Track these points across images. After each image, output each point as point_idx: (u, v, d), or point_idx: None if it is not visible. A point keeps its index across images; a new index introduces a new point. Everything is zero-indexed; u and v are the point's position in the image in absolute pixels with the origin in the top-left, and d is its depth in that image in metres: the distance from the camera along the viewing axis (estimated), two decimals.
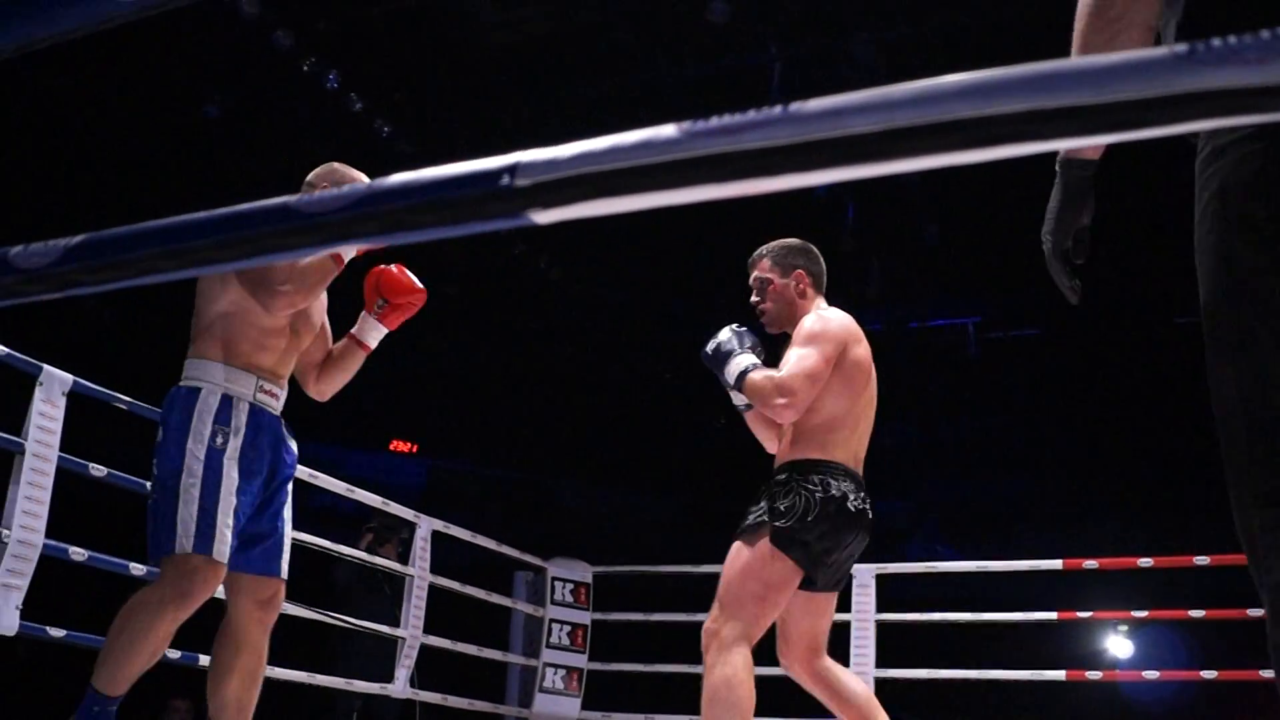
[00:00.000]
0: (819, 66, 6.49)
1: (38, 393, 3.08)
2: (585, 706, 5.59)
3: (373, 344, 2.88)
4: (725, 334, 2.91)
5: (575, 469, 10.97)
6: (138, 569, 3.33)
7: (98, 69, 6.28)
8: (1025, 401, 9.59)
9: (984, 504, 10.19)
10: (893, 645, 5.06)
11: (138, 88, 6.66)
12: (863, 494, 2.78)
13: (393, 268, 2.85)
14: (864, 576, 4.97)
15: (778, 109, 0.58)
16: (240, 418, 2.56)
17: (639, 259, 8.16)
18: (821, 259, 3.00)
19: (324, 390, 2.88)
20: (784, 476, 2.75)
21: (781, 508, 2.68)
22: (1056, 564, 4.74)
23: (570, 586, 5.67)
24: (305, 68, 6.58)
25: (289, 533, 2.72)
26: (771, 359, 3.02)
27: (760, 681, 2.73)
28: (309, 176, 2.74)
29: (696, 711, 2.97)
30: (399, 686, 4.62)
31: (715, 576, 2.92)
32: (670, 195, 0.61)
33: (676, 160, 0.59)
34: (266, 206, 0.66)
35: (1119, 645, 9.29)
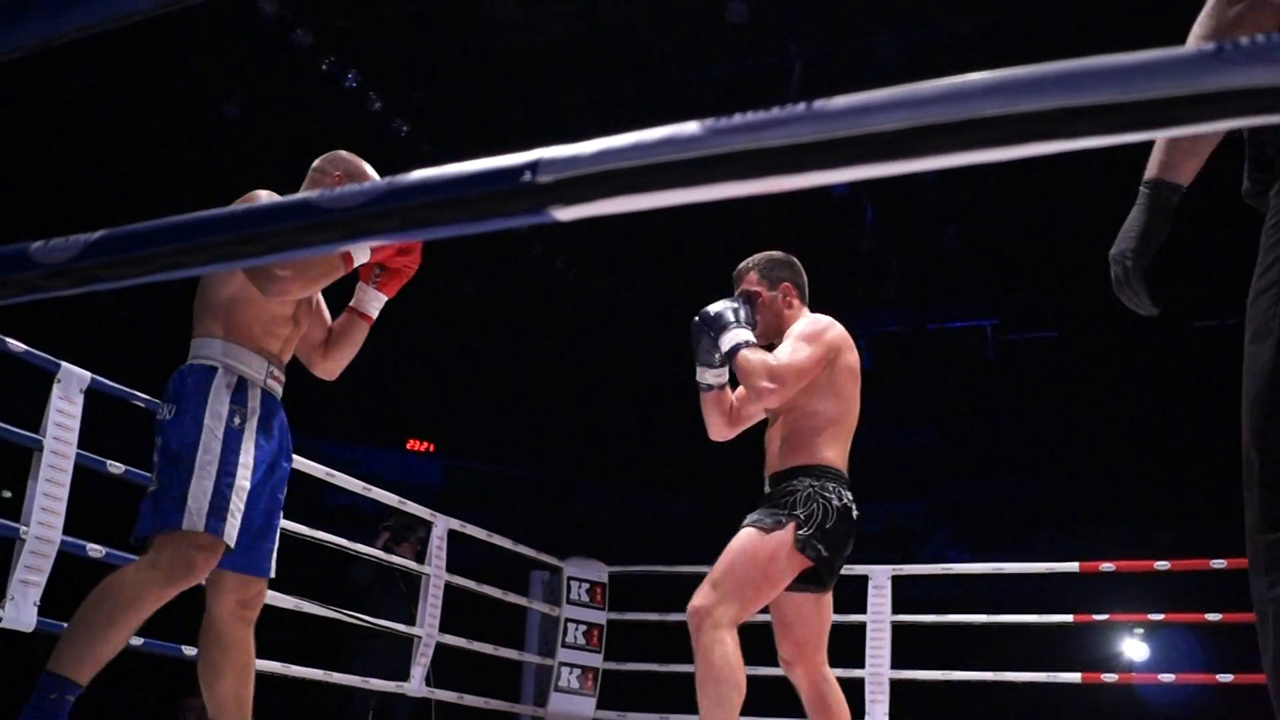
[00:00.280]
0: (839, 67, 6.47)
1: (56, 390, 3.10)
2: (600, 706, 5.59)
3: (374, 314, 2.76)
4: (725, 303, 2.88)
5: (591, 469, 10.98)
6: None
7: (118, 68, 6.31)
8: (1043, 404, 9.56)
9: (1000, 506, 10.15)
10: (907, 647, 5.04)
11: (158, 87, 6.69)
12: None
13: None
14: (879, 578, 4.95)
15: (801, 106, 0.58)
16: (255, 400, 2.49)
17: (655, 260, 8.16)
18: (804, 272, 3.03)
19: (331, 369, 2.79)
20: (799, 481, 2.76)
21: (802, 515, 2.70)
22: (1073, 566, 4.71)
23: (586, 586, 5.67)
24: (324, 67, 6.60)
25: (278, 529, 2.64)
26: None
27: (758, 681, 2.74)
28: (315, 163, 2.68)
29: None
30: (415, 685, 4.63)
31: None
32: (692, 193, 0.60)
33: (699, 157, 0.59)
34: (287, 203, 0.66)
35: (1135, 648, 9.24)
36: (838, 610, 5.19)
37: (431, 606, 4.69)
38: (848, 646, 5.10)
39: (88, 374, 3.16)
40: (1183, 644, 8.09)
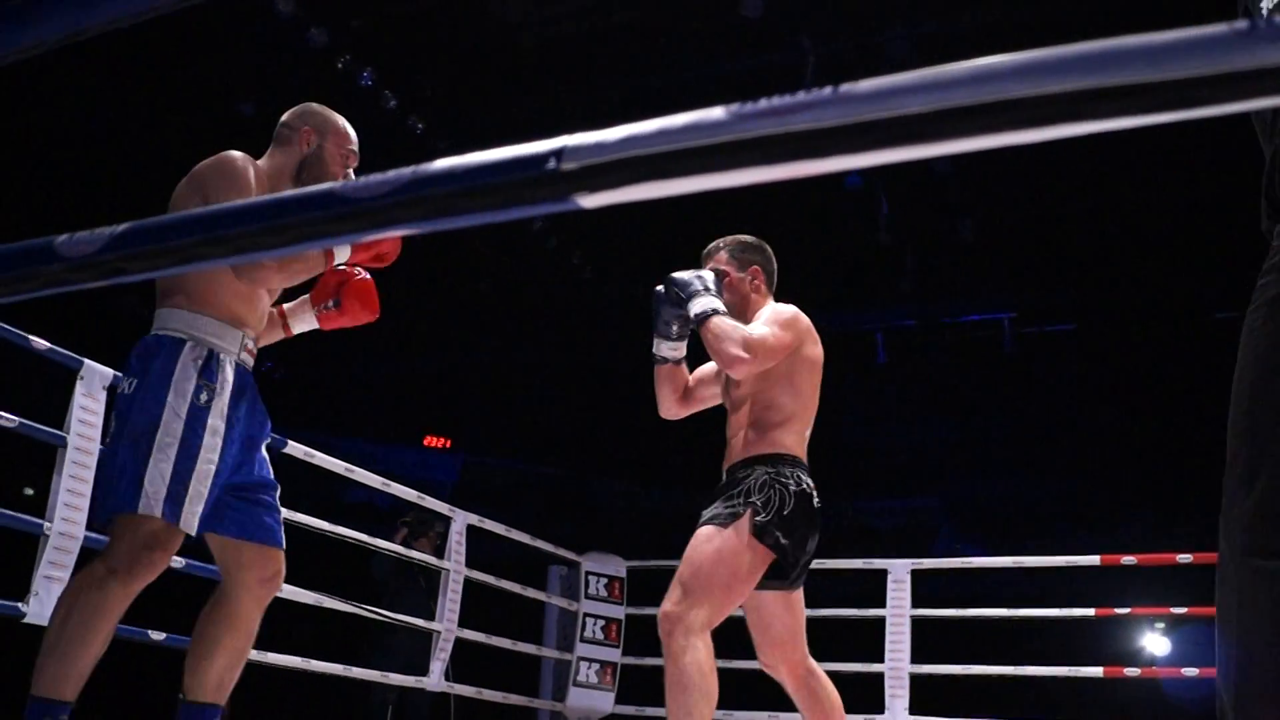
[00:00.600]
0: (853, 62, 6.45)
1: (79, 387, 3.12)
2: (619, 701, 5.60)
3: (295, 332, 2.63)
4: (696, 272, 2.81)
5: (608, 464, 10.98)
6: (178, 561, 3.36)
7: (136, 66, 6.34)
8: (1061, 397, 9.51)
9: (1019, 501, 10.11)
10: (927, 641, 5.03)
11: (175, 85, 6.73)
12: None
13: (369, 279, 2.58)
14: (898, 572, 4.94)
15: (827, 90, 0.58)
16: (226, 374, 2.33)
17: (669, 256, 8.13)
18: (774, 259, 2.98)
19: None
20: (755, 470, 2.70)
21: (759, 502, 2.64)
22: (1094, 560, 4.68)
23: (604, 581, 5.67)
24: (339, 65, 6.63)
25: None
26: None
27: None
28: (285, 117, 2.57)
29: (730, 706, 2.95)
30: (434, 679, 4.64)
31: None
32: (719, 178, 0.60)
33: (725, 142, 0.59)
34: (311, 193, 0.66)
35: (1155, 643, 9.19)
36: (858, 605, 5.23)
37: (451, 601, 4.70)
38: (867, 641, 5.09)
39: (110, 371, 3.18)
40: (1204, 638, 8.04)
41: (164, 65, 6.45)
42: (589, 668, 5.55)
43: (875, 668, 4.91)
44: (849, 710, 4.83)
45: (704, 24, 6.37)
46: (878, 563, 5.09)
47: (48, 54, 1.01)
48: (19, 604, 2.97)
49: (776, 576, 2.68)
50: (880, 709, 4.80)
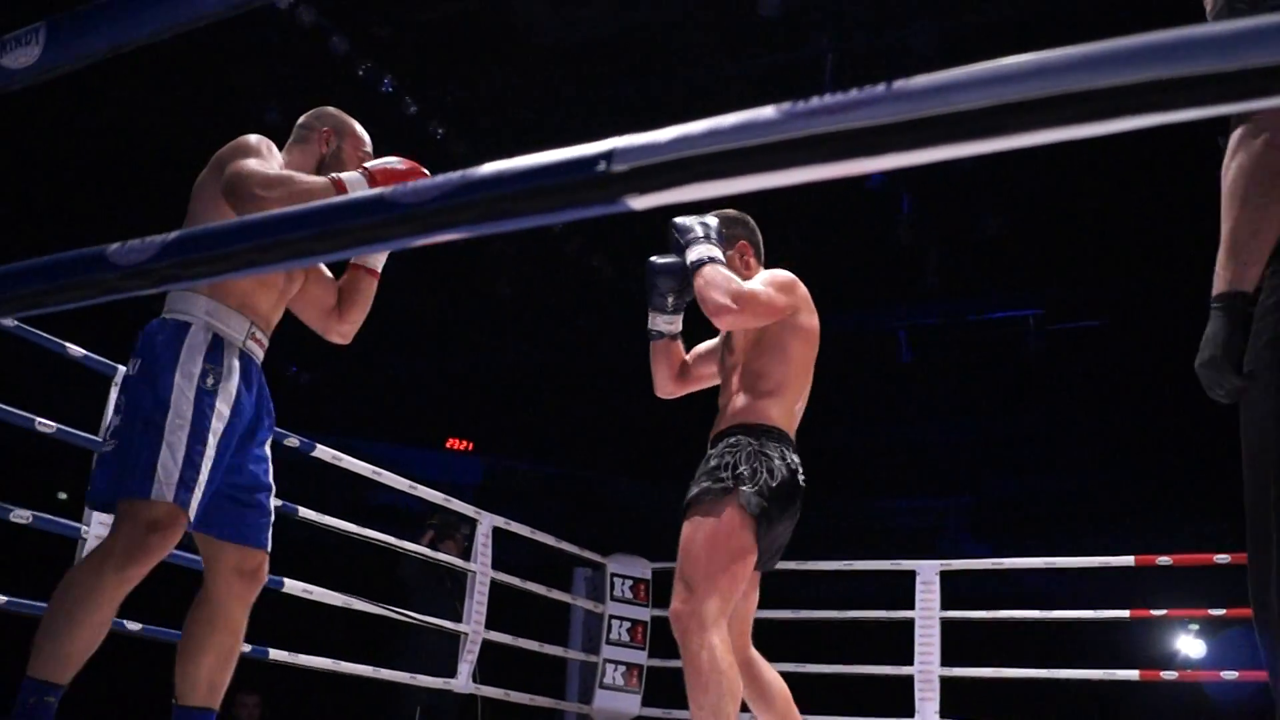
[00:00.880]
0: (874, 58, 6.43)
1: (114, 393, 3.14)
2: (646, 703, 5.59)
3: (380, 266, 2.60)
4: (699, 218, 2.71)
5: (632, 466, 10.99)
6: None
7: (162, 76, 6.40)
8: (1089, 395, 9.43)
9: (1046, 501, 10.04)
10: (956, 644, 4.99)
11: (202, 94, 6.78)
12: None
13: (399, 163, 2.42)
14: (927, 573, 4.91)
15: (880, 87, 0.57)
16: (231, 360, 2.29)
17: None
18: (759, 231, 2.91)
19: (347, 331, 2.60)
20: (740, 439, 2.61)
21: (746, 472, 2.54)
22: (1128, 560, 4.63)
23: (630, 583, 5.67)
24: (361, 72, 6.66)
25: (273, 501, 2.48)
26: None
27: None
28: (302, 119, 2.57)
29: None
30: (462, 681, 4.66)
31: (775, 574, 2.86)
32: (771, 178, 0.60)
33: (777, 142, 0.58)
34: (363, 199, 0.67)
35: (1190, 645, 9.08)
36: (887, 606, 5.20)
37: (477, 604, 4.71)
38: (896, 643, 5.06)
39: None
40: (1241, 640, 7.95)
41: (189, 74, 6.50)
42: (615, 670, 5.55)
43: (904, 671, 4.87)
44: (878, 714, 4.82)
45: (722, 24, 6.36)
46: (905, 564, 5.06)
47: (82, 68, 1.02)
48: None
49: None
50: (910, 713, 4.77)
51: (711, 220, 2.71)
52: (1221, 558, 4.39)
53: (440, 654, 4.95)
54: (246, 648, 3.56)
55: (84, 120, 6.76)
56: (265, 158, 2.32)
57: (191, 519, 2.20)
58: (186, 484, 2.16)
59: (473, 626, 4.68)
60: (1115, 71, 0.51)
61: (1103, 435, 9.73)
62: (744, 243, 2.87)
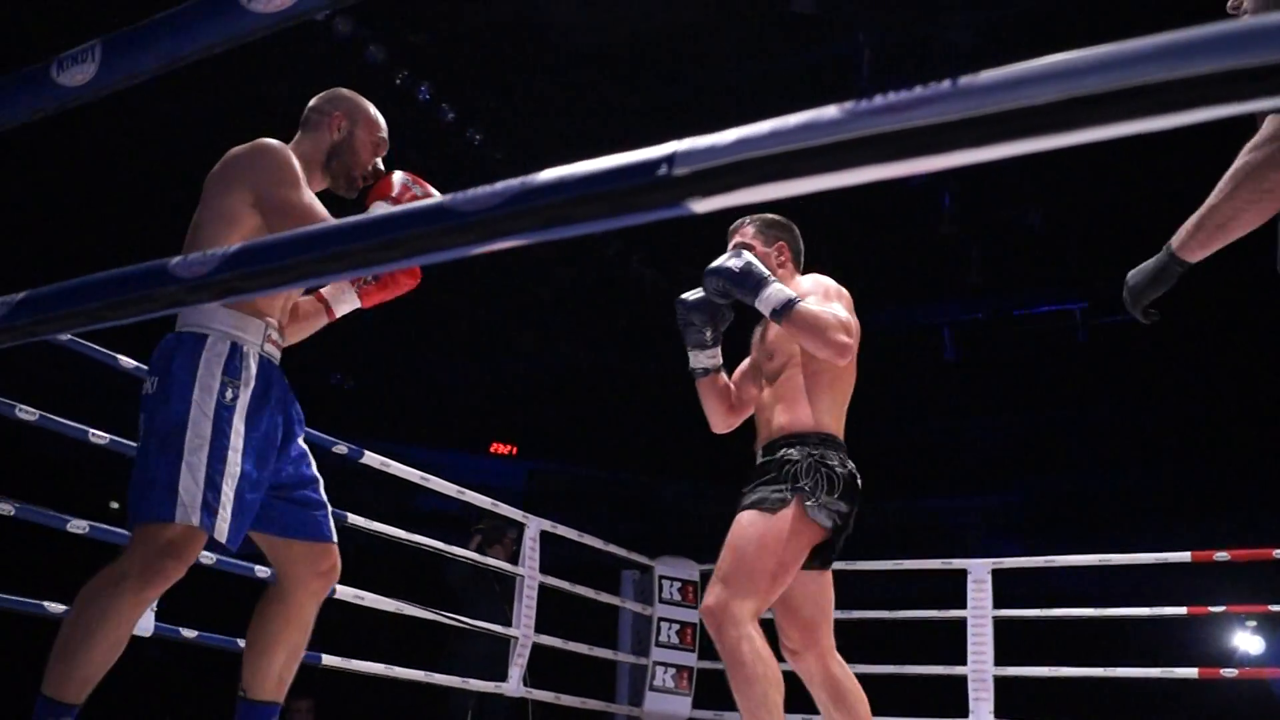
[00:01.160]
0: (910, 53, 6.38)
1: None
2: (697, 705, 5.58)
3: (339, 314, 2.53)
4: (739, 258, 2.62)
5: (677, 467, 10.98)
6: (263, 571, 3.42)
7: (197, 88, 6.48)
8: (1140, 388, 9.28)
9: (1097, 497, 9.90)
10: (1008, 643, 4.93)
11: (238, 105, 6.86)
12: None
13: (409, 182, 2.41)
14: (979, 572, 4.85)
15: (946, 83, 0.57)
16: (250, 369, 2.23)
17: None
18: (801, 239, 2.90)
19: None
20: (796, 450, 2.60)
21: (807, 486, 2.54)
22: (1185, 556, 4.55)
23: (678, 585, 5.66)
24: (398, 81, 6.70)
25: (323, 492, 2.44)
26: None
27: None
28: (313, 102, 2.50)
29: (808, 709, 2.89)
30: (512, 685, 4.67)
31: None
32: (834, 178, 0.59)
33: (841, 141, 0.58)
34: (423, 208, 0.67)
35: (1248, 641, 8.91)
36: (938, 606, 5.15)
37: (526, 607, 4.72)
38: (947, 643, 5.01)
39: None
40: None
41: (224, 85, 6.57)
42: (665, 672, 5.54)
43: (958, 670, 4.83)
44: (931, 714, 4.77)
45: (755, 22, 6.34)
46: (957, 563, 5.01)
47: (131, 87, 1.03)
48: None
49: (818, 558, 2.61)
50: (964, 713, 4.72)
51: (749, 255, 2.67)
52: None
53: (490, 658, 4.98)
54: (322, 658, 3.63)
55: (118, 134, 6.86)
56: (303, 182, 2.28)
57: (223, 539, 2.16)
58: (209, 506, 2.11)
59: (522, 630, 4.70)
60: (1193, 61, 0.50)
61: (1154, 429, 9.57)
62: (782, 243, 2.86)
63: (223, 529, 2.14)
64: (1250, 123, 1.64)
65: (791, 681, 2.63)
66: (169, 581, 2.11)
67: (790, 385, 2.71)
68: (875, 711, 2.73)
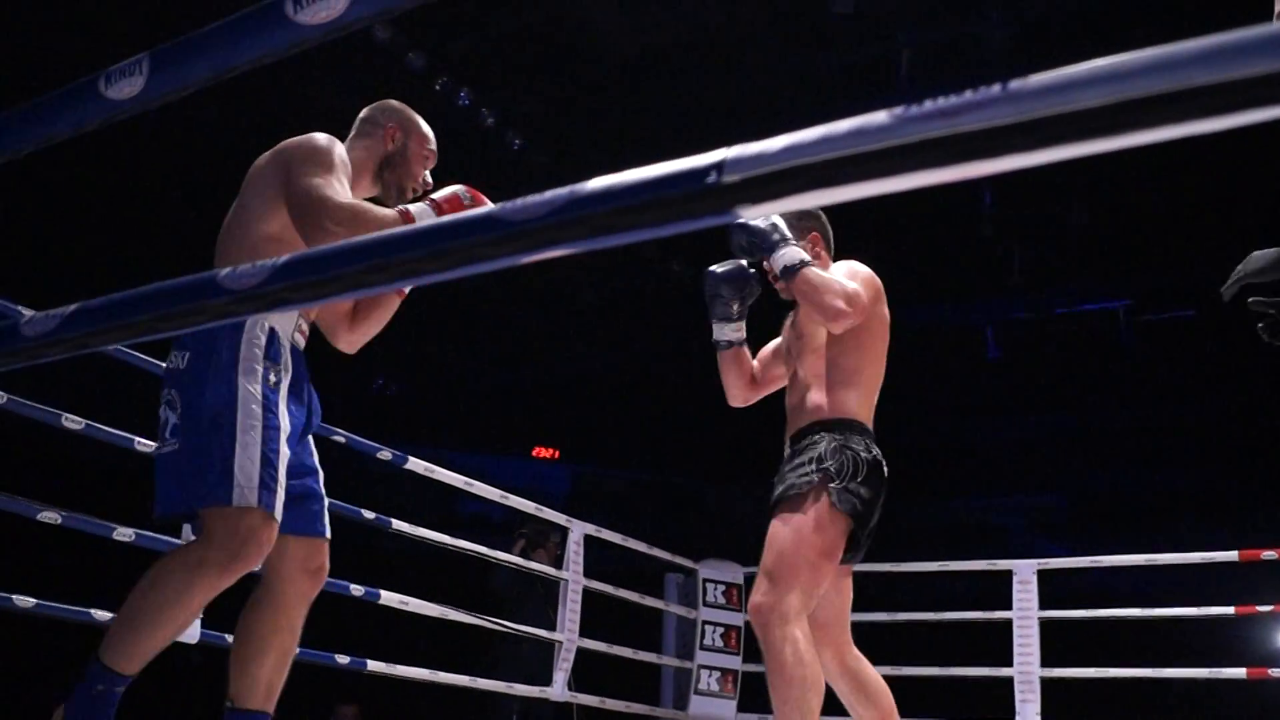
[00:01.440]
0: (949, 53, 6.33)
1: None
2: (741, 708, 5.56)
3: (408, 288, 2.42)
4: (768, 218, 2.61)
5: (720, 470, 10.97)
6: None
7: (238, 98, 6.56)
8: (1184, 386, 9.16)
9: (1142, 496, 9.77)
10: (1055, 644, 4.88)
11: (279, 114, 6.94)
12: None
13: (464, 193, 2.31)
14: (1024, 573, 4.81)
15: (996, 87, 0.56)
16: (286, 356, 2.20)
17: None
18: (830, 226, 2.88)
19: (356, 341, 2.50)
20: (822, 437, 2.60)
21: (832, 469, 2.53)
22: (1232, 555, 4.49)
23: (722, 588, 5.65)
24: (437, 87, 6.75)
25: (321, 484, 2.38)
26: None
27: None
28: (364, 113, 2.50)
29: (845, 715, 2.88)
30: (558, 689, 4.68)
31: (868, 575, 2.83)
32: (884, 184, 0.59)
33: (892, 147, 0.58)
34: (473, 217, 0.67)
35: None
36: (984, 607, 5.10)
37: (571, 611, 4.74)
38: (991, 645, 4.97)
39: None
40: None
41: (264, 95, 6.65)
42: (710, 676, 5.53)
43: (1004, 672, 4.78)
44: (977, 716, 4.73)
45: (794, 24, 6.33)
46: (1002, 564, 4.96)
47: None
48: None
49: (846, 550, 2.58)
50: (1011, 715, 4.68)
51: (778, 219, 2.67)
52: None
53: (535, 662, 4.99)
54: (344, 659, 3.64)
55: (160, 145, 6.96)
56: (338, 173, 2.24)
57: (279, 520, 2.11)
58: (268, 486, 2.07)
59: (567, 634, 4.71)
60: (1243, 63, 0.49)
61: (1199, 427, 9.43)
62: (815, 233, 2.86)
63: (280, 510, 2.10)
64: None
65: (831, 689, 2.63)
66: (247, 568, 2.08)
67: (818, 374, 2.72)
68: (921, 713, 2.71)
